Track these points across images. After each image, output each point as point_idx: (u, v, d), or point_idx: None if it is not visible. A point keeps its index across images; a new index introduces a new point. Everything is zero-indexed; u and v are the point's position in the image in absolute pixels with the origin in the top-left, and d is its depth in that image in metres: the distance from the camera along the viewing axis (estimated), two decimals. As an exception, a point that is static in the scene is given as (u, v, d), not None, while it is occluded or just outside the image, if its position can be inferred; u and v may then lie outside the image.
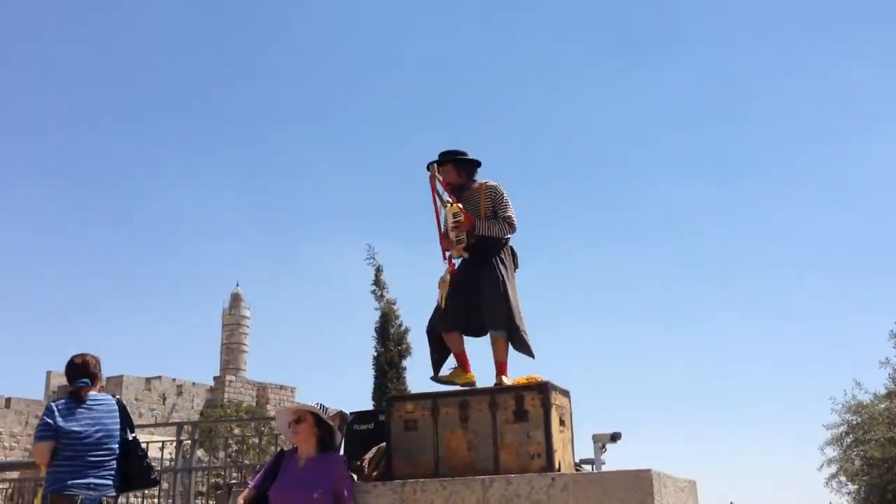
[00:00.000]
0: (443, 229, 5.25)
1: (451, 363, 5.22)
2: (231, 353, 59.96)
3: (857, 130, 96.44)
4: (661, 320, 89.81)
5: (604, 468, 10.08)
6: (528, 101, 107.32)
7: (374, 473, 4.69)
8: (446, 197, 5.24)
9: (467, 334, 5.21)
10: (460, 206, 5.16)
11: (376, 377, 13.78)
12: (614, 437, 9.55)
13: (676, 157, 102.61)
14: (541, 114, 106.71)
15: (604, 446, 9.57)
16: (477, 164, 5.34)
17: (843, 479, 18.41)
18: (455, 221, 5.11)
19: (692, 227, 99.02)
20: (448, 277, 5.14)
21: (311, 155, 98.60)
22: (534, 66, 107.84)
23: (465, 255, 5.16)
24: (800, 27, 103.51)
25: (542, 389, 4.46)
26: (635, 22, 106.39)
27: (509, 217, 5.16)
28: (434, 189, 5.22)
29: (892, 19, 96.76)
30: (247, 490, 4.24)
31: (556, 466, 4.33)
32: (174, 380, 51.91)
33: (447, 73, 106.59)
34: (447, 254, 5.20)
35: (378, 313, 14.39)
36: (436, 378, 5.16)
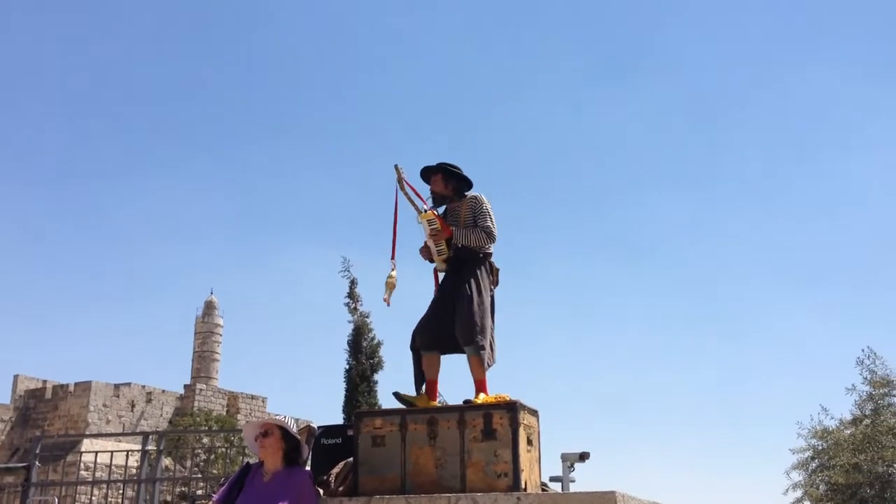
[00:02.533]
0: (425, 241, 5.23)
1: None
2: (203, 361, 59.40)
3: (831, 149, 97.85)
4: (632, 340, 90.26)
5: (573, 486, 10.11)
6: (505, 112, 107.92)
7: (341, 489, 4.66)
8: (419, 203, 5.22)
9: (448, 351, 5.15)
10: (436, 212, 5.14)
11: (347, 390, 13.73)
12: (583, 457, 9.59)
13: (652, 171, 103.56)
14: (518, 125, 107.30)
15: (572, 465, 9.61)
16: (468, 182, 5.29)
17: (807, 503, 18.60)
18: (432, 229, 5.10)
19: (665, 244, 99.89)
20: (395, 275, 5.13)
21: (290, 164, 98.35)
22: (513, 79, 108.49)
23: (445, 267, 5.14)
24: (780, 45, 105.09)
25: (511, 409, 4.46)
26: (614, 36, 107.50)
27: (487, 227, 5.11)
28: (403, 191, 5.16)
29: (871, 38, 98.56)
30: (210, 503, 4.21)
31: (523, 486, 4.34)
32: (144, 387, 51.26)
33: (427, 84, 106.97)
34: (434, 266, 5.20)
35: (351, 326, 14.39)
36: (397, 394, 5.08)
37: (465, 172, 5.28)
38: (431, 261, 5.26)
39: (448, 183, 5.25)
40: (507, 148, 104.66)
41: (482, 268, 5.16)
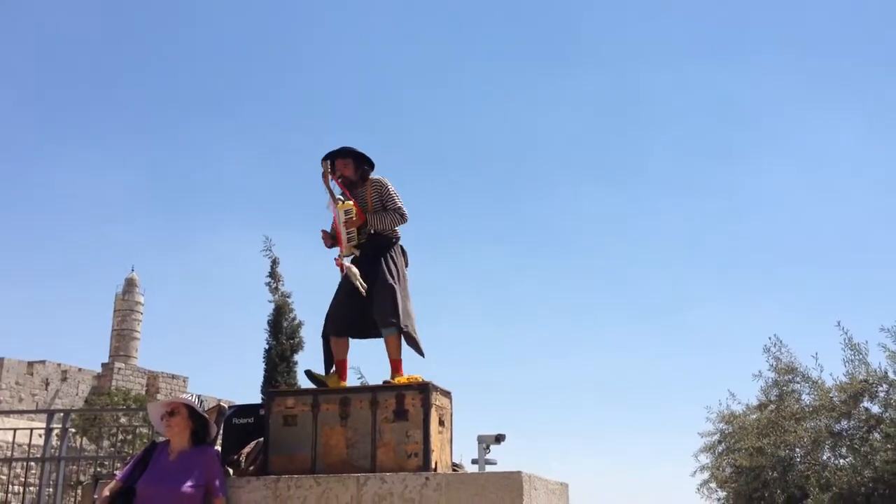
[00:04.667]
0: (331, 227, 5.24)
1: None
2: (122, 339, 57.94)
3: (748, 146, 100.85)
4: (547, 322, 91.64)
5: (492, 469, 10.26)
6: (427, 99, 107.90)
7: (251, 468, 4.65)
8: (338, 194, 5.22)
9: (359, 336, 5.21)
10: (353, 202, 5.16)
11: (266, 370, 13.61)
12: (498, 439, 9.75)
13: (576, 160, 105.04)
14: (439, 112, 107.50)
15: (488, 447, 9.76)
16: (371, 164, 5.34)
17: (713, 485, 19.22)
18: (347, 218, 5.11)
19: (578, 230, 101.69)
20: (355, 270, 5.05)
21: (211, 143, 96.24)
22: (435, 65, 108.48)
23: (356, 254, 5.16)
24: (699, 44, 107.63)
25: (423, 389, 4.51)
26: (538, 25, 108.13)
27: (399, 208, 5.18)
28: (327, 184, 5.17)
29: (792, 41, 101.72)
30: (113, 482, 4.14)
31: (433, 466, 4.40)
32: (59, 365, 49.77)
33: (348, 66, 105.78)
34: (338, 253, 5.20)
35: (272, 306, 14.23)
36: (309, 373, 5.13)
37: (367, 153, 5.31)
38: (331, 247, 5.27)
39: (357, 167, 5.27)
40: (424, 134, 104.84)
41: (395, 251, 5.22)
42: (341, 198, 5.18)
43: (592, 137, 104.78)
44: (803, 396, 17.74)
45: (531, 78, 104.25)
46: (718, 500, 19.50)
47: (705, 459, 19.45)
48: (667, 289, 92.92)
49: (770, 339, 18.31)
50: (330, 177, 5.19)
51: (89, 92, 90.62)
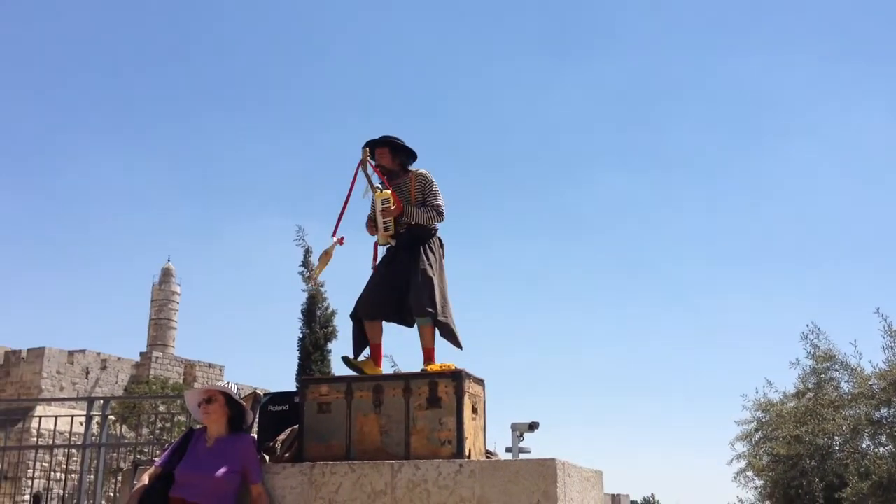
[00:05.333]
0: (370, 214, 5.25)
1: (367, 352, 5.24)
2: (159, 328, 58.76)
3: (778, 132, 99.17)
4: (581, 311, 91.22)
5: (523, 456, 10.26)
6: (462, 90, 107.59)
7: (287, 455, 4.69)
8: (377, 182, 5.22)
9: (395, 322, 5.23)
10: (392, 191, 5.17)
11: (301, 359, 13.71)
12: (532, 427, 9.73)
13: (602, 150, 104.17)
14: (475, 103, 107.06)
15: (521, 435, 9.75)
16: (413, 155, 5.33)
17: (750, 474, 19.07)
18: (384, 207, 5.12)
19: (614, 219, 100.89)
20: (332, 251, 5.15)
21: (244, 133, 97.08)
22: (470, 56, 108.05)
23: (392, 243, 5.17)
24: (724, 29, 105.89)
25: (456, 377, 4.51)
26: (565, 15, 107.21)
27: (438, 205, 5.19)
28: (365, 171, 5.18)
29: (816, 23, 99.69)
30: (153, 468, 4.21)
31: (467, 453, 4.40)
32: (98, 354, 50.63)
33: (382, 58, 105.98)
34: (375, 241, 5.22)
35: (305, 295, 14.32)
36: (346, 359, 5.16)
37: (409, 144, 5.32)
38: (375, 234, 5.29)
39: (395, 157, 5.27)
40: (456, 125, 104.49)
41: (433, 242, 5.24)
42: (379, 186, 5.18)
43: (622, 126, 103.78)
44: (842, 384, 17.52)
45: (556, 68, 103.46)
46: (755, 488, 19.34)
47: (742, 448, 19.31)
48: (701, 276, 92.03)
49: (807, 326, 18.11)
50: (369, 165, 5.20)
51: (122, 84, 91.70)
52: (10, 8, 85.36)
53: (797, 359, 18.25)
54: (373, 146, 5.28)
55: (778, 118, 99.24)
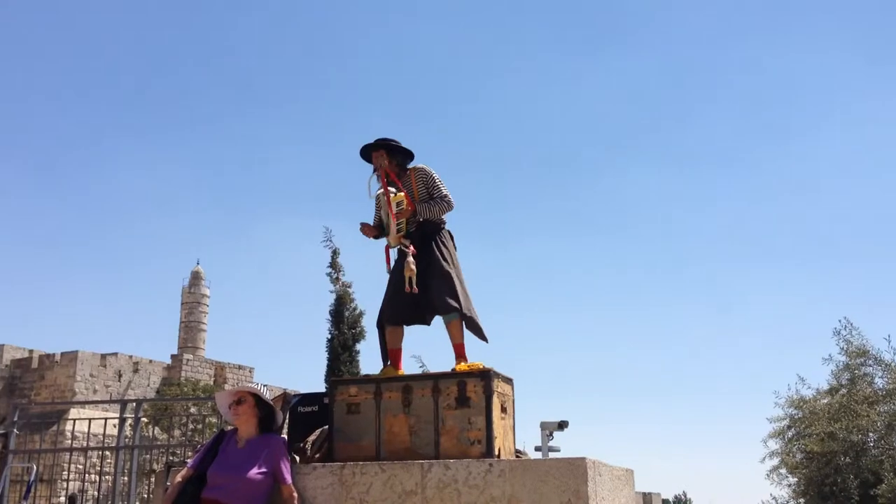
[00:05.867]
0: (383, 219, 5.21)
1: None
2: (189, 331, 59.34)
3: (812, 127, 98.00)
4: (611, 309, 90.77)
5: (553, 455, 10.23)
6: (484, 88, 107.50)
7: (317, 456, 4.71)
8: (391, 186, 5.20)
9: (414, 323, 5.21)
10: (405, 192, 5.16)
11: (329, 359, 13.76)
12: (561, 426, 9.69)
13: (628, 147, 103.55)
14: (496, 102, 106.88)
15: (551, 434, 9.71)
16: (410, 155, 5.32)
17: (783, 471, 18.87)
18: (398, 209, 5.11)
19: (642, 217, 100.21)
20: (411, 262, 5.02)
21: (270, 134, 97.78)
22: (491, 55, 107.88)
23: (405, 244, 5.11)
24: (757, 23, 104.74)
25: (485, 376, 4.50)
26: (591, 8, 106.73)
27: (445, 196, 5.18)
28: (382, 177, 5.19)
29: (850, 19, 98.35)
30: (185, 469, 4.25)
31: (496, 453, 4.39)
32: (131, 357, 51.22)
33: (406, 57, 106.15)
34: (385, 244, 5.19)
35: (333, 296, 14.37)
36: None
37: (406, 145, 5.30)
38: (375, 237, 5.28)
39: (392, 159, 5.26)
40: (481, 122, 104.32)
41: (444, 236, 5.22)
42: (392, 189, 5.18)
43: (650, 121, 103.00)
44: (876, 380, 17.29)
45: (586, 64, 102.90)
46: (789, 485, 19.15)
47: (774, 445, 19.12)
48: (732, 272, 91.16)
49: (840, 321, 17.89)
50: (385, 170, 5.19)
51: (148, 88, 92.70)
52: (43, 16, 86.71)
53: (830, 355, 18.08)
54: (369, 150, 5.27)
55: (811, 113, 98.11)
